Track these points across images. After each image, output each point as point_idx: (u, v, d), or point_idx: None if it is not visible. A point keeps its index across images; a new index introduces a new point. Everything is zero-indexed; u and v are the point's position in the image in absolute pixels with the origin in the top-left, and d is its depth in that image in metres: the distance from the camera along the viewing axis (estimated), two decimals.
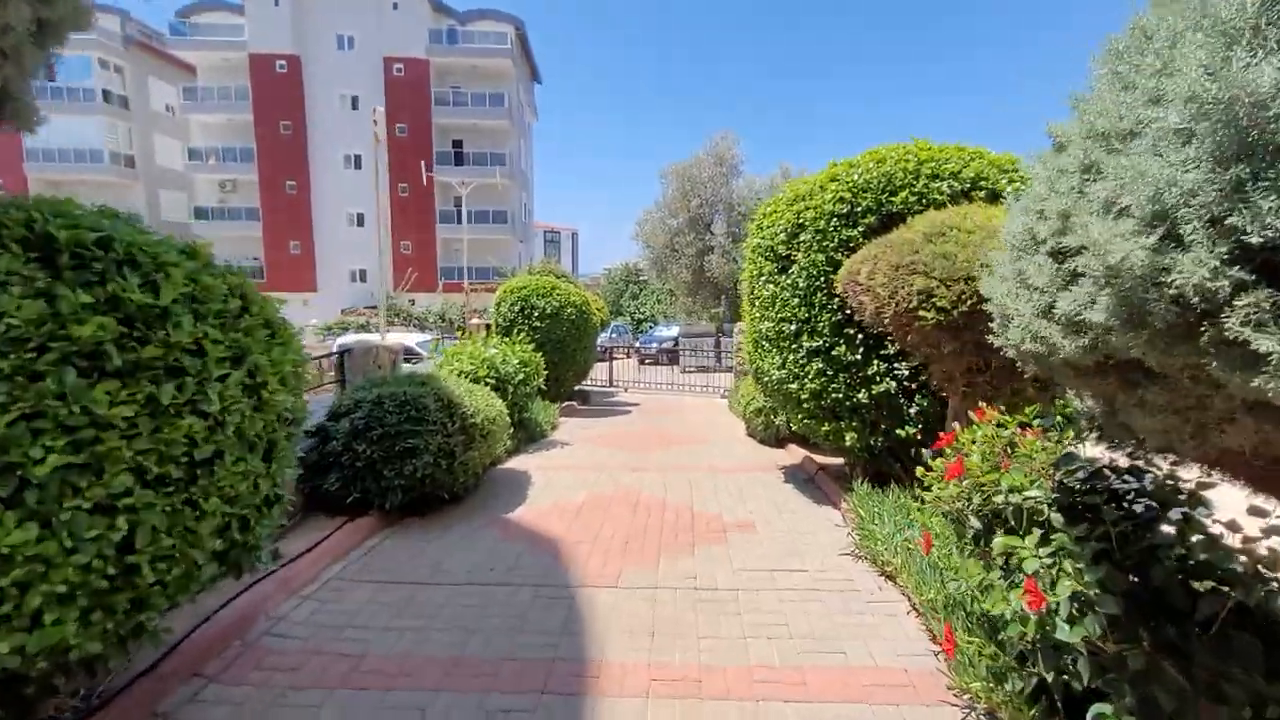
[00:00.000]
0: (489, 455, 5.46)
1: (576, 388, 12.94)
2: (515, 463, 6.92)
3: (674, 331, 25.30)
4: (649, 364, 21.25)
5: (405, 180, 37.29)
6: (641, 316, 42.87)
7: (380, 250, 12.68)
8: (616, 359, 17.45)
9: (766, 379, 5.23)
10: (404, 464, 4.51)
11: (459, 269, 37.46)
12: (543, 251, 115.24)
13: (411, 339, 19.89)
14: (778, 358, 5.03)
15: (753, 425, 8.30)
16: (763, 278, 5.25)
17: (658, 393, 15.90)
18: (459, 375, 7.41)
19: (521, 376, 7.75)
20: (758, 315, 5.36)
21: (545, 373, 11.42)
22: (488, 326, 12.29)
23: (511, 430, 7.46)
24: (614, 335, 27.29)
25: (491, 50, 36.85)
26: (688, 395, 15.58)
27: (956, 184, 4.38)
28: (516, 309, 11.07)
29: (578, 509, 5.05)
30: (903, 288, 3.47)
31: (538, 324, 11.00)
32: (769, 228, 5.28)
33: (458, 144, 38.39)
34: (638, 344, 25.48)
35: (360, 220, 38.03)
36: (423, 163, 32.12)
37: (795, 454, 7.30)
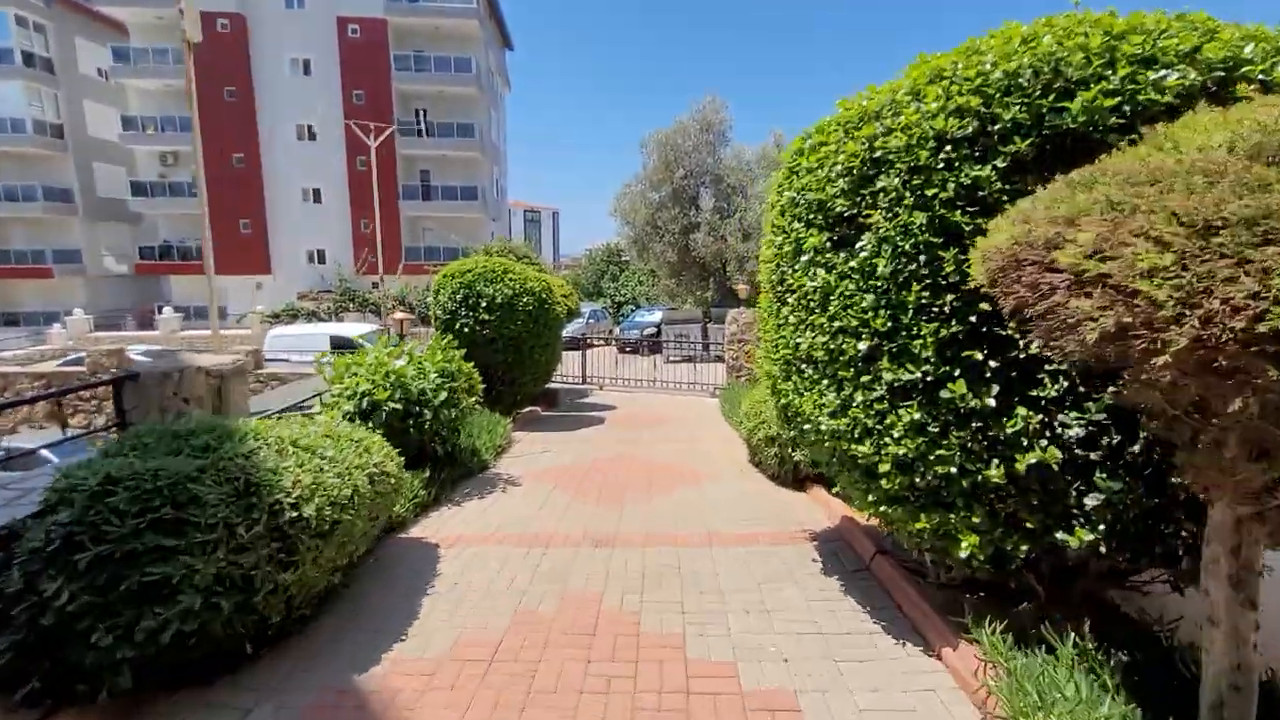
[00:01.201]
0: (345, 553, 3.31)
1: (540, 389, 10.78)
2: (426, 527, 4.79)
3: (656, 316, 23.17)
4: (628, 353, 18.95)
5: (364, 153, 34.32)
6: (622, 299, 40.60)
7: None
8: (594, 346, 15.31)
9: (809, 425, 3.13)
10: (142, 613, 2.37)
11: (425, 249, 34.85)
12: (522, 231, 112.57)
13: (356, 330, 17.56)
14: (832, 395, 2.92)
15: (761, 455, 6.22)
16: (803, 257, 3.12)
17: (638, 391, 13.80)
18: (350, 398, 5.24)
19: (444, 396, 5.58)
20: (793, 321, 3.24)
21: (498, 378, 9.30)
22: (423, 319, 10.02)
23: (426, 476, 5.33)
24: (591, 321, 25.09)
25: (455, 9, 33.83)
26: (672, 394, 13.50)
27: (1192, 72, 2.27)
28: (459, 298, 8.85)
29: (490, 658, 2.95)
30: (1229, 279, 1.39)
31: (486, 317, 8.79)
32: (812, 171, 3.13)
33: (422, 113, 35.44)
34: (617, 330, 23.30)
35: (317, 196, 35.11)
36: (352, 123, 29.04)
37: (822, 502, 5.26)
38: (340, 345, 15.71)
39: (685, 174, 20.52)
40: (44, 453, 7.24)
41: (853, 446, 2.80)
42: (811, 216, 3.03)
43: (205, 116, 33.33)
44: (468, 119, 34.96)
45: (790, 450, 5.67)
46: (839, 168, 2.87)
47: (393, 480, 3.85)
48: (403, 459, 4.32)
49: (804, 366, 3.15)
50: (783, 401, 3.50)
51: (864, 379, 2.75)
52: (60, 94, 33.82)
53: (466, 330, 8.81)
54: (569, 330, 23.67)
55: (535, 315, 9.16)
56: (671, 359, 16.98)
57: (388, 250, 34.18)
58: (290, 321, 25.19)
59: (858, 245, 2.77)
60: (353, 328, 17.71)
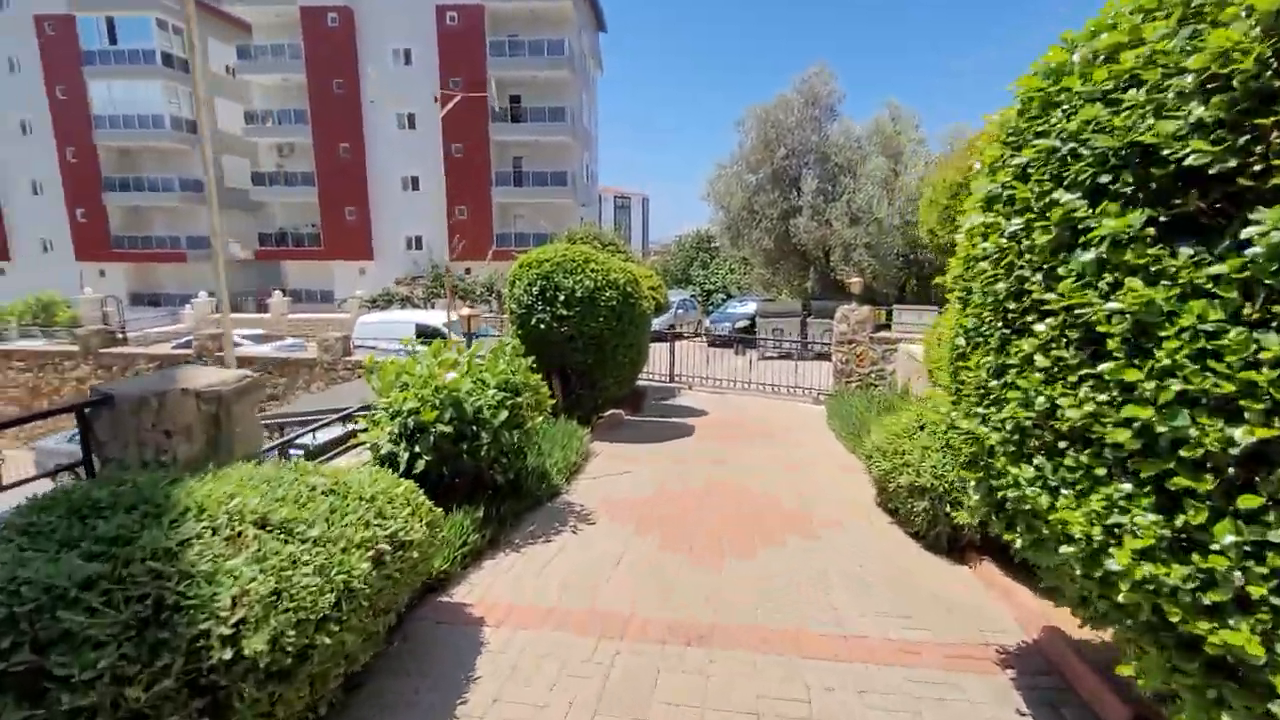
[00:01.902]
0: (326, 685, 2.33)
1: (624, 392, 9.74)
2: (473, 586, 3.83)
3: (750, 308, 21.58)
4: (718, 346, 17.42)
5: (460, 140, 34.80)
6: (712, 287, 39.06)
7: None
8: (684, 339, 14.11)
9: (1071, 548, 1.78)
10: None
11: (514, 235, 34.94)
12: (612, 218, 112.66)
13: (443, 317, 17.31)
14: (1151, 516, 1.56)
15: (898, 502, 4.81)
16: (1085, 254, 1.74)
17: (730, 393, 12.48)
18: (393, 417, 4.37)
19: (505, 415, 4.60)
20: (1043, 365, 1.87)
21: (577, 381, 8.35)
22: (504, 315, 9.22)
23: (480, 515, 4.38)
24: (679, 312, 23.89)
25: None
26: (769, 397, 12.09)
27: None
28: (535, 291, 7.93)
29: None
30: None
31: (564, 312, 7.81)
32: (1108, 97, 1.74)
33: (515, 99, 35.38)
34: (707, 322, 21.98)
35: (415, 184, 35.99)
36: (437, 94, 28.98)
37: (1000, 588, 3.82)
38: (425, 334, 15.50)
39: (787, 153, 18.77)
40: None
41: (1197, 624, 1.45)
42: (1108, 180, 1.66)
43: (316, 109, 35.06)
44: (559, 103, 34.51)
45: (944, 506, 4.25)
46: (1190, 82, 1.48)
47: (418, 552, 2.85)
48: (439, 511, 3.34)
49: (1064, 446, 1.80)
50: (999, 486, 2.15)
51: (1244, 503, 1.38)
52: (192, 92, 36.50)
53: (542, 327, 7.88)
54: (656, 323, 22.71)
55: (619, 311, 8.09)
56: (766, 355, 15.50)
57: (479, 237, 34.58)
58: (385, 307, 25.78)
59: (1241, 234, 1.39)
60: (439, 315, 17.49)
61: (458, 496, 4.71)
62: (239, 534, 2.08)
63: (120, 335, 27.99)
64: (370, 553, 2.48)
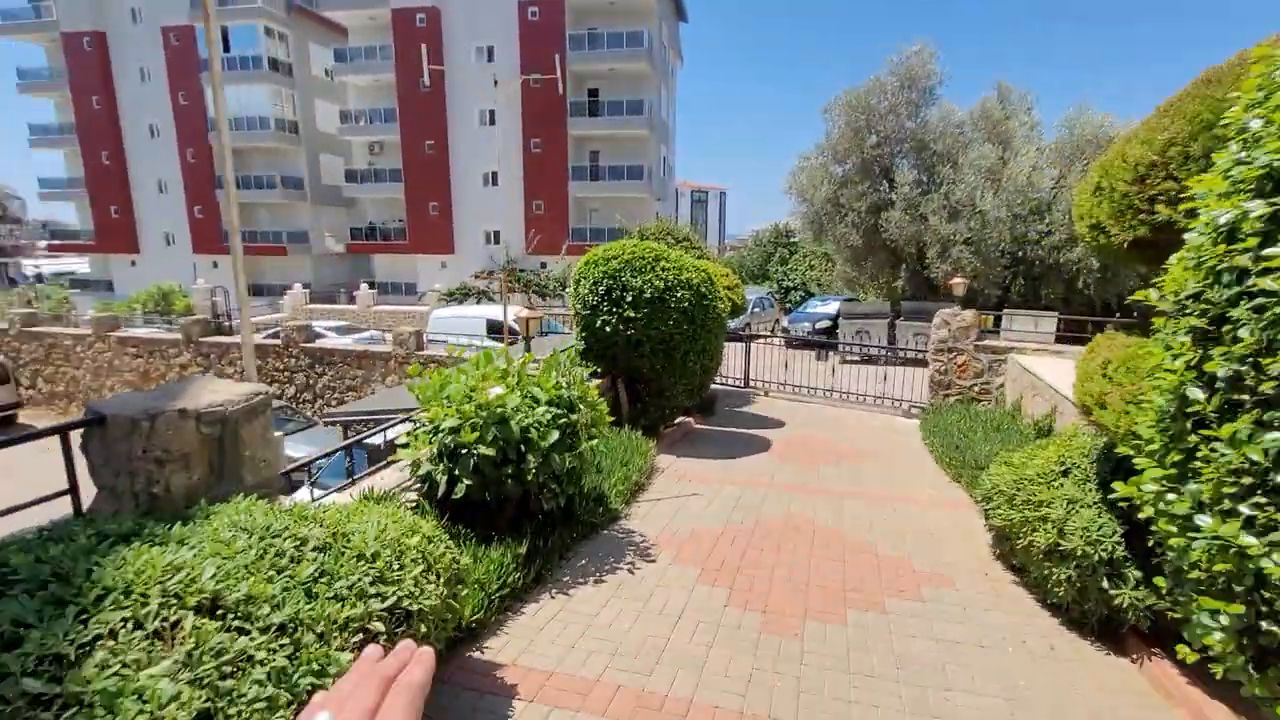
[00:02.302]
0: None
1: (695, 401, 9.06)
2: (510, 636, 3.30)
3: (831, 308, 20.29)
4: (796, 347, 16.25)
5: (538, 135, 35.05)
6: (790, 284, 37.55)
7: None
8: (760, 339, 13.24)
9: None
10: None
11: (590, 230, 34.84)
12: (689, 212, 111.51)
13: (514, 313, 17.16)
14: None
15: (1029, 561, 3.89)
16: None
17: (811, 401, 11.52)
18: (432, 435, 3.93)
19: (556, 437, 4.05)
20: None
21: (644, 388, 7.76)
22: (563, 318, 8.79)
23: (523, 550, 3.87)
24: (755, 310, 22.87)
25: None
26: (854, 408, 11.05)
27: None
28: (601, 291, 7.38)
29: None
30: None
31: (631, 314, 7.22)
32: None
33: (593, 93, 35.22)
34: (785, 322, 20.87)
35: (494, 179, 36.57)
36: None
37: (1174, 694, 2.90)
38: (496, 330, 15.39)
39: (878, 141, 17.35)
40: None
41: None
42: None
43: (404, 107, 36.29)
44: (637, 96, 34.02)
45: (1095, 578, 3.32)
46: None
47: (427, 624, 2.32)
48: (466, 560, 2.82)
49: None
50: (1206, 556, 1.34)
51: None
52: (296, 94, 38.72)
53: (608, 330, 7.33)
54: (730, 322, 21.79)
55: (691, 313, 7.41)
56: (849, 358, 14.34)
57: (555, 231, 34.74)
58: (461, 300, 26.22)
59: None
60: (512, 310, 17.40)
61: (502, 523, 4.23)
62: (173, 625, 1.59)
63: (226, 324, 30.23)
64: (358, 636, 1.96)
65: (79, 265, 47.46)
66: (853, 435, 9.08)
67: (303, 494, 4.21)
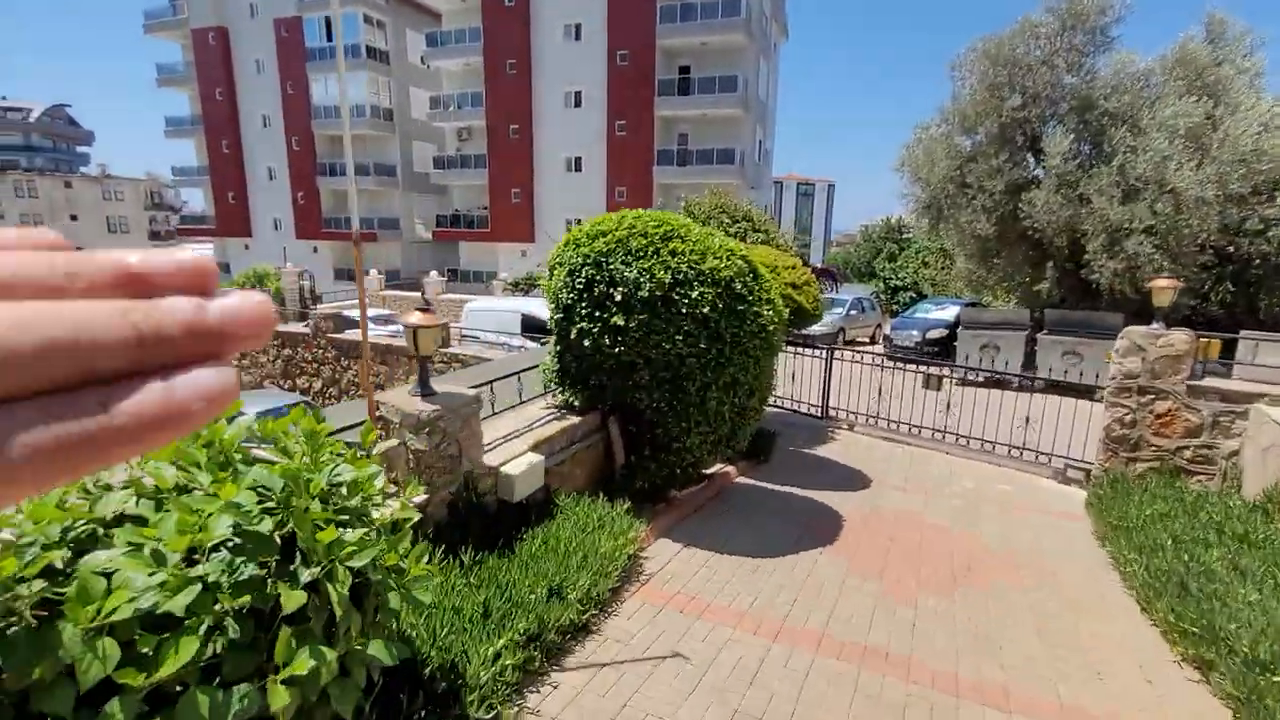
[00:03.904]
0: None
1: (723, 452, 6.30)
2: None
3: (949, 313, 16.48)
4: (897, 362, 11.98)
5: (624, 117, 32.89)
6: (899, 284, 33.14)
7: None
8: (851, 352, 10.18)
9: None
10: None
11: None
12: (793, 205, 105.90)
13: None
14: None
15: None
16: None
17: (914, 444, 8.36)
18: None
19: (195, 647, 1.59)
20: None
21: (643, 433, 5.21)
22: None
23: None
24: (852, 312, 19.37)
25: None
26: (976, 460, 7.79)
27: None
28: (579, 285, 4.87)
29: None
30: None
31: (620, 322, 4.65)
32: None
33: (684, 70, 32.52)
34: (888, 329, 17.32)
35: (578, 165, 34.88)
36: None
37: None
38: (533, 327, 13.28)
39: (1023, 102, 13.43)
40: None
41: None
42: None
43: (490, 91, 35.39)
44: (731, 71, 30.92)
45: None
46: None
47: None
48: None
49: None
50: None
51: None
52: (392, 82, 39.03)
53: (587, 345, 4.82)
54: (818, 325, 18.40)
55: (715, 323, 4.72)
56: (968, 379, 10.77)
57: None
58: (527, 291, 24.59)
59: None
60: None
61: None
62: None
63: (311, 306, 30.85)
64: None
65: (209, 250, 51.58)
66: (977, 514, 5.98)
67: None
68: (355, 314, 16.82)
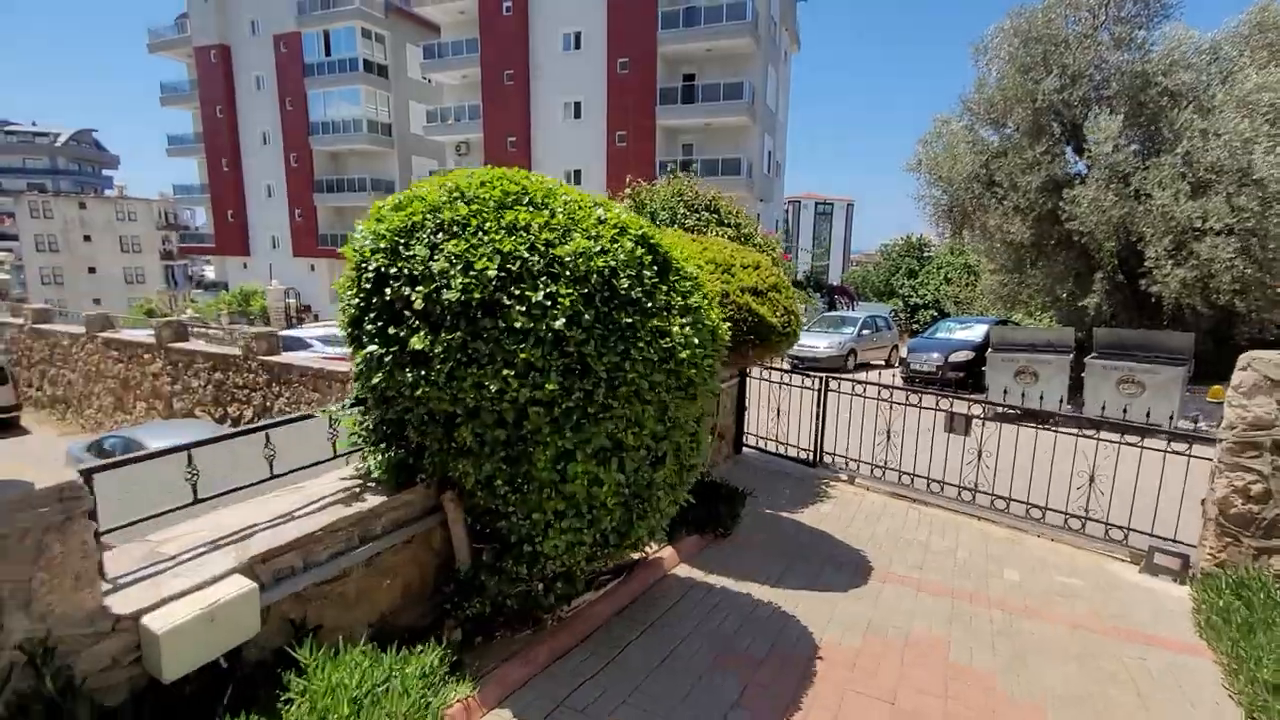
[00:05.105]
0: None
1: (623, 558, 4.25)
2: None
3: (976, 333, 14.29)
4: (906, 403, 9.19)
5: (625, 128, 31.37)
6: (920, 301, 30.93)
7: None
8: (851, 382, 8.07)
9: None
10: None
11: None
12: (811, 224, 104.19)
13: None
14: None
15: None
16: None
17: (930, 507, 6.21)
18: None
19: None
20: None
21: (479, 523, 3.20)
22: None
23: None
24: (864, 332, 17.22)
25: None
26: (1022, 532, 5.62)
27: None
28: (369, 281, 2.94)
29: None
30: None
31: (420, 344, 2.70)
32: None
33: (689, 78, 30.97)
34: (904, 352, 15.15)
35: (578, 177, 33.33)
36: None
37: None
38: None
39: (1062, 84, 11.38)
40: None
41: None
42: None
43: (487, 102, 34.17)
44: (736, 77, 29.28)
45: None
46: None
47: None
48: None
49: None
50: None
51: None
52: (391, 96, 38.14)
53: (378, 380, 2.88)
54: (823, 345, 16.25)
55: (583, 348, 2.75)
56: (1001, 412, 8.47)
57: None
58: None
59: None
60: None
61: None
62: None
63: (296, 320, 29.62)
64: None
65: (209, 269, 51.08)
66: (1036, 646, 3.85)
67: None
68: (295, 332, 15.15)
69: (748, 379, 7.79)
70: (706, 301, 3.40)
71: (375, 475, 3.26)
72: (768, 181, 34.58)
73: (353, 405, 3.30)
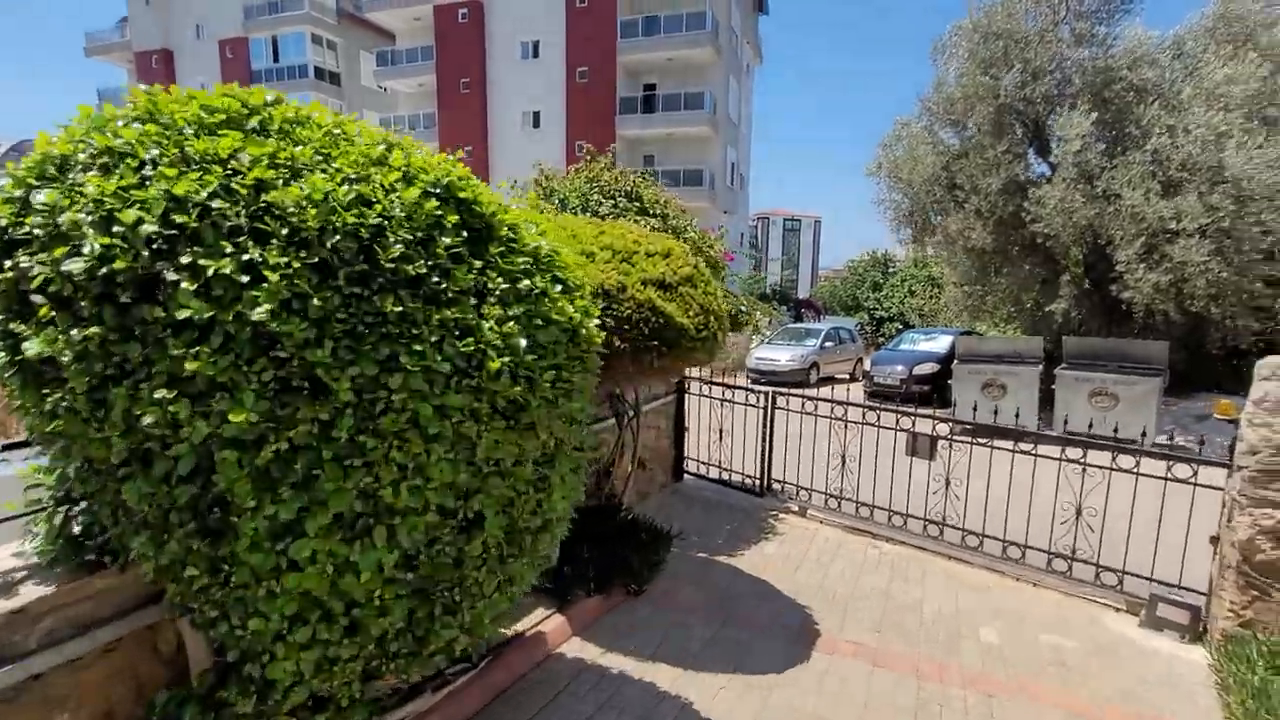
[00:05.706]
0: None
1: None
2: None
3: (940, 344, 13.60)
4: (864, 421, 8.17)
5: (585, 137, 30.52)
6: (885, 314, 30.55)
7: None
8: (800, 399, 7.10)
9: None
10: None
11: None
12: (780, 240, 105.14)
13: None
14: None
15: None
16: None
17: (891, 546, 5.24)
18: None
19: None
20: None
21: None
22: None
23: None
24: (827, 345, 16.46)
25: None
26: (1005, 579, 4.68)
27: None
28: None
29: None
30: None
31: (43, 347, 1.60)
32: None
33: (649, 88, 30.38)
34: (869, 365, 14.38)
35: None
36: None
37: None
38: None
39: (1023, 80, 10.81)
40: None
41: None
42: None
43: (443, 110, 33.08)
44: (698, 88, 28.77)
45: None
46: None
47: None
48: None
49: None
50: None
51: None
52: (343, 105, 36.74)
53: (17, 408, 1.78)
54: (785, 358, 15.41)
55: (357, 336, 1.69)
56: (968, 432, 7.55)
57: None
58: None
59: None
60: None
61: None
62: None
63: None
64: None
65: None
66: None
67: None
68: None
69: (686, 395, 6.78)
70: (561, 290, 2.37)
71: (38, 551, 2.12)
72: (731, 193, 34.07)
73: (6, 448, 2.16)
